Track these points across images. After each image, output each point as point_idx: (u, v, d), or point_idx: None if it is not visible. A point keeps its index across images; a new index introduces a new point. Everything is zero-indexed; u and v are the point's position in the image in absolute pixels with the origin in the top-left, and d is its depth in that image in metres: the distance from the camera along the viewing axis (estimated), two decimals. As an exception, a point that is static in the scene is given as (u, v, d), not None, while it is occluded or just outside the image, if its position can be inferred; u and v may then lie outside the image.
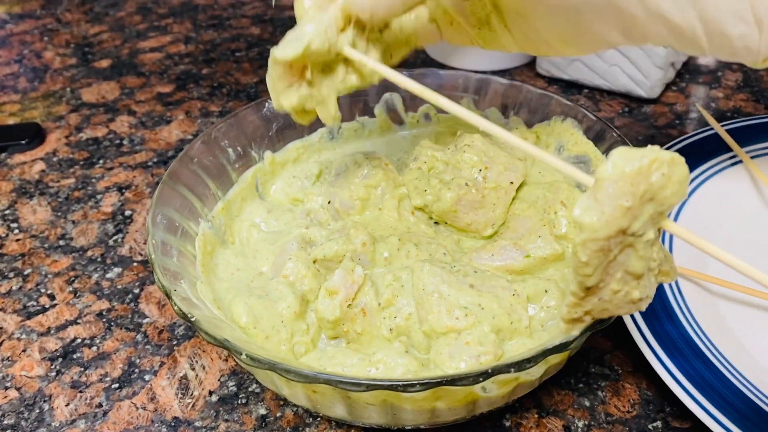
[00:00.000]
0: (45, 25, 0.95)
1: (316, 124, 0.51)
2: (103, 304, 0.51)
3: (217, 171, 0.47)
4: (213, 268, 0.43)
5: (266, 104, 0.50)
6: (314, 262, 0.42)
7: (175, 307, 0.34)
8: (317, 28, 0.34)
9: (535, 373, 0.35)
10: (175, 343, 0.47)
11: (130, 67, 0.84)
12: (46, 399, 0.44)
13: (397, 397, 0.32)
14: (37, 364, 0.46)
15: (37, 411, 0.43)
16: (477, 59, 0.75)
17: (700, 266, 0.47)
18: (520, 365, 0.30)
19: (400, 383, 0.30)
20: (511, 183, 0.45)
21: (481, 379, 0.30)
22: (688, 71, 0.76)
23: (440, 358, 0.36)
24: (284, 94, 0.36)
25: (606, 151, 0.45)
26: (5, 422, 0.43)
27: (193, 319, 0.34)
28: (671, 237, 0.49)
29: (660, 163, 0.26)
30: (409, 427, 0.37)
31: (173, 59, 0.85)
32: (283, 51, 0.35)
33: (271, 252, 0.44)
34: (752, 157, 0.56)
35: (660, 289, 0.45)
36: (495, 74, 0.53)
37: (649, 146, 0.27)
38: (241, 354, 0.31)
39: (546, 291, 0.40)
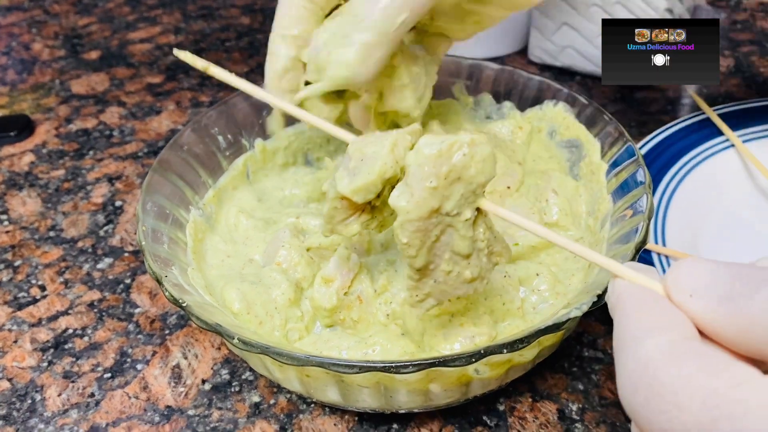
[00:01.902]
0: (33, 17, 0.94)
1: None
2: (95, 295, 0.50)
3: (208, 159, 0.47)
4: (203, 255, 0.42)
5: (257, 91, 0.50)
6: (308, 250, 0.42)
7: (167, 293, 0.34)
8: (384, 151, 0.30)
9: (528, 355, 0.35)
10: (167, 332, 0.47)
11: (120, 58, 0.83)
12: (38, 389, 0.44)
13: (391, 379, 0.32)
14: (29, 355, 0.46)
15: (29, 401, 0.43)
16: (469, 46, 0.75)
17: (692, 249, 0.47)
18: (513, 346, 0.30)
19: (393, 365, 0.30)
20: (508, 188, 0.45)
21: (474, 360, 0.30)
22: (679, 57, 0.76)
23: (435, 340, 0.36)
24: (344, 226, 0.33)
25: (598, 135, 0.45)
26: (-3, 413, 0.42)
27: (184, 305, 0.33)
28: (663, 224, 0.49)
29: (460, 144, 0.28)
30: (402, 411, 0.37)
31: (163, 50, 0.84)
32: (351, 183, 0.30)
33: (261, 240, 0.43)
34: (744, 141, 0.56)
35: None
36: (487, 61, 0.52)
37: (461, 132, 0.29)
38: (234, 338, 0.31)
39: (537, 274, 0.40)
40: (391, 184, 0.31)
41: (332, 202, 0.32)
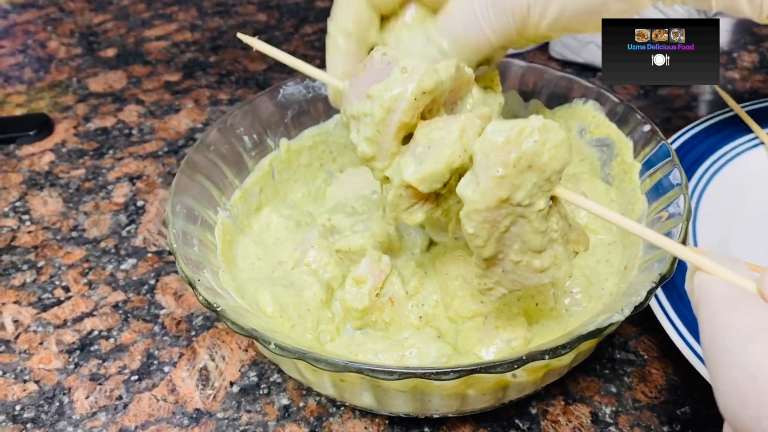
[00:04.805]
0: (48, 15, 0.94)
1: (332, 110, 0.50)
2: (119, 296, 0.50)
3: (234, 159, 0.46)
4: (233, 258, 0.42)
5: (281, 91, 0.49)
6: (336, 251, 0.41)
7: (200, 297, 0.34)
8: (452, 138, 0.29)
9: (565, 359, 0.34)
10: (193, 333, 0.47)
11: (137, 55, 0.82)
12: (65, 392, 0.43)
13: (428, 384, 0.32)
14: (55, 357, 0.46)
15: (57, 404, 0.43)
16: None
17: (724, 249, 0.47)
18: (555, 351, 0.30)
19: (434, 371, 0.29)
20: None
21: (516, 366, 0.29)
22: (702, 53, 0.75)
23: (469, 343, 0.35)
24: (408, 214, 0.32)
25: (630, 134, 0.44)
26: (25, 416, 0.42)
27: (218, 309, 0.33)
28: (694, 223, 0.48)
29: (531, 130, 0.27)
30: (436, 416, 0.37)
31: (179, 47, 0.84)
32: (417, 171, 0.29)
33: (291, 241, 0.43)
34: (774, 139, 0.55)
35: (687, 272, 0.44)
36: (512, 58, 0.52)
37: (531, 117, 0.27)
38: (270, 343, 0.31)
39: (570, 277, 0.39)
40: (459, 172, 0.29)
41: (396, 190, 0.31)
